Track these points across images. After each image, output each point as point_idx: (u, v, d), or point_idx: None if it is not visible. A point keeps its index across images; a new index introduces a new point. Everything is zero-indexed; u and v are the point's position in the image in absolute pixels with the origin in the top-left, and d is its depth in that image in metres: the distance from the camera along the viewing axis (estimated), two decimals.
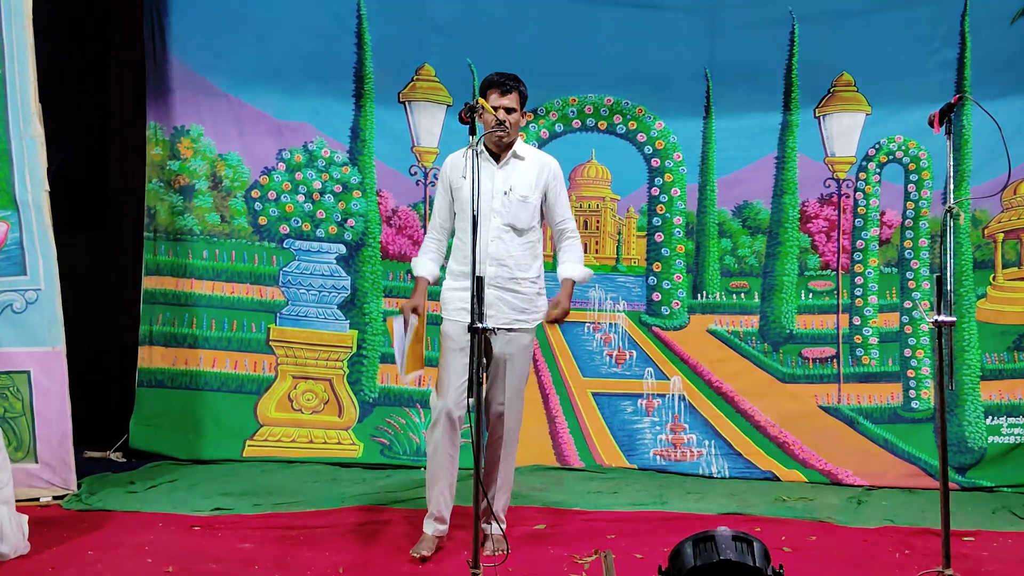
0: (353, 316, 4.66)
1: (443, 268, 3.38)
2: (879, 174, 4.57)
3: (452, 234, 3.35)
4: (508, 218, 3.19)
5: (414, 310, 3.22)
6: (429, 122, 4.60)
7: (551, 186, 3.29)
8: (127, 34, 4.82)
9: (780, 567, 2.37)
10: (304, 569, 3.07)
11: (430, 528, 3.21)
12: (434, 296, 3.64)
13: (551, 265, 4.79)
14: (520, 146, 3.29)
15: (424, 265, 3.31)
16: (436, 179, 4.60)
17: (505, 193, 3.21)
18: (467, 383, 3.10)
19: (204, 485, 4.06)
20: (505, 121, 3.16)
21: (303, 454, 4.58)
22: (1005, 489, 4.28)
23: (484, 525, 3.17)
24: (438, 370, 3.27)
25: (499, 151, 3.25)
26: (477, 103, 2.96)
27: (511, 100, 3.20)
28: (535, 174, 3.26)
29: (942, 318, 2.88)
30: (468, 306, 3.06)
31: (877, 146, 4.56)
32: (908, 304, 4.52)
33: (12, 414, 3.74)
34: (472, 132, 2.91)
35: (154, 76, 4.56)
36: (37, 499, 3.73)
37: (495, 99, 3.21)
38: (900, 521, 3.75)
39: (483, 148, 3.26)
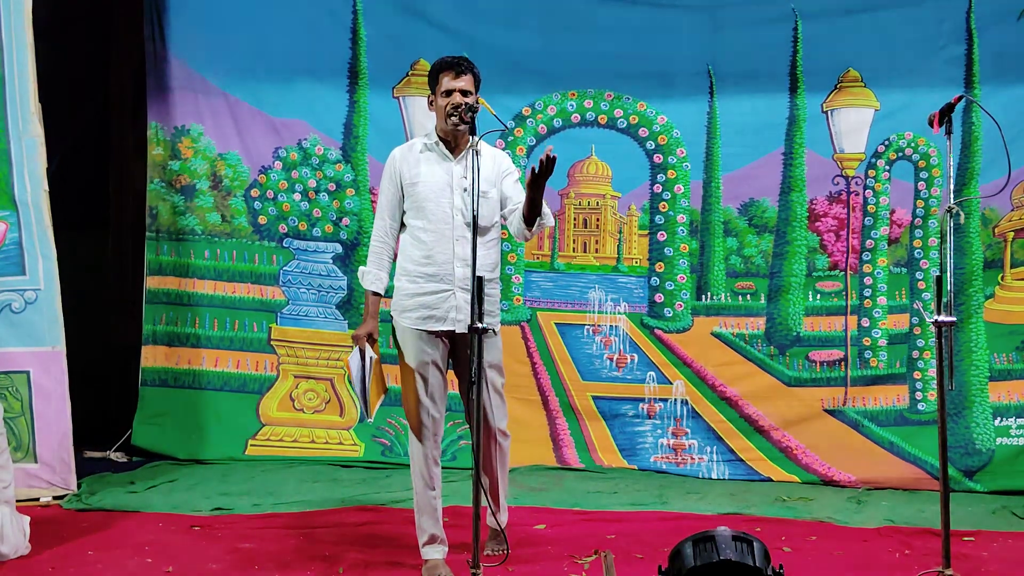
0: (351, 316, 4.73)
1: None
2: (888, 171, 4.59)
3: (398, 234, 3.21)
4: (469, 216, 3.00)
5: (369, 337, 3.13)
6: (424, 117, 4.62)
7: (509, 174, 3.17)
8: (127, 34, 4.91)
9: (780, 567, 2.42)
10: (304, 569, 3.15)
11: (438, 552, 3.14)
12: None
13: (548, 265, 4.83)
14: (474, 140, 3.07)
15: (376, 278, 3.16)
16: None
17: (465, 189, 3.07)
18: (443, 412, 3.09)
19: (204, 485, 4.15)
20: (461, 105, 3.00)
21: (305, 453, 4.67)
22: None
23: (492, 519, 3.22)
24: (404, 394, 3.15)
25: (456, 142, 3.12)
26: (477, 101, 3.00)
27: (466, 82, 3.05)
28: (491, 168, 3.14)
29: (942, 318, 2.99)
30: (436, 313, 3.09)
31: (887, 143, 4.59)
32: (918, 305, 4.53)
33: (12, 414, 3.83)
34: (472, 132, 2.96)
35: (154, 76, 4.66)
36: (37, 499, 3.82)
37: (448, 82, 3.04)
38: (900, 521, 3.82)
39: (436, 139, 3.14)
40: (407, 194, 3.15)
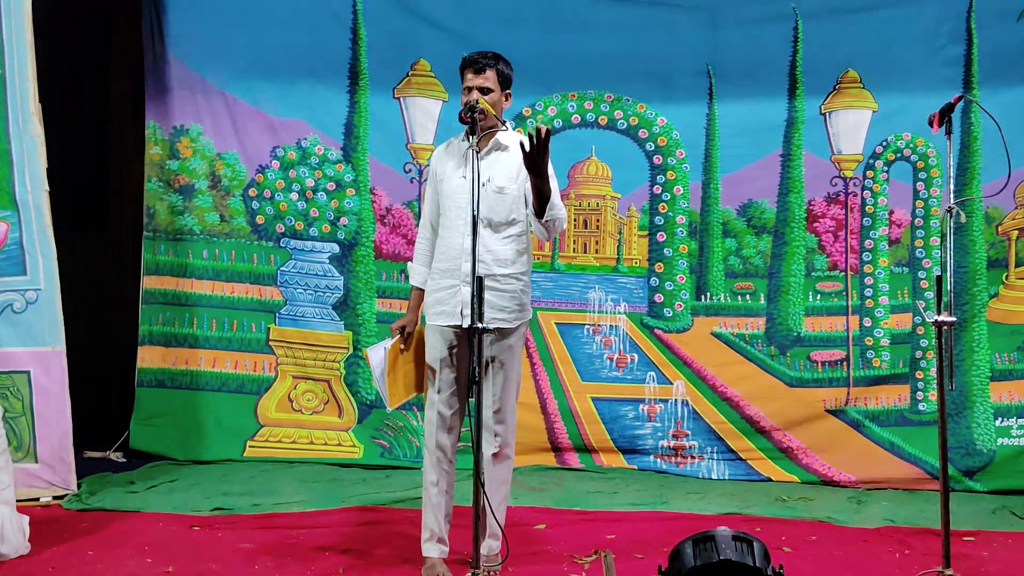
0: (347, 317, 4.75)
1: None
2: (887, 172, 4.63)
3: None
4: (483, 211, 3.04)
5: (403, 330, 3.21)
6: (424, 118, 4.68)
7: None
8: (127, 34, 4.95)
9: (780, 567, 2.44)
10: (304, 569, 3.18)
11: (434, 551, 3.16)
12: None
13: (548, 265, 4.84)
14: (504, 134, 3.15)
15: (419, 273, 3.27)
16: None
17: (483, 184, 3.06)
18: (455, 408, 3.08)
19: (204, 485, 4.18)
20: (473, 106, 2.95)
21: (304, 455, 4.68)
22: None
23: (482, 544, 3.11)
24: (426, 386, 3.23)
25: (479, 138, 3.05)
26: (477, 101, 3.01)
27: (486, 79, 3.07)
28: (516, 164, 3.08)
29: (942, 318, 3.01)
30: (446, 308, 3.11)
31: (884, 143, 4.62)
32: (921, 304, 4.50)
33: (12, 414, 3.85)
34: (472, 132, 2.97)
35: (153, 76, 4.68)
36: (37, 499, 3.85)
37: (469, 79, 3.08)
38: (900, 521, 3.86)
39: (463, 136, 3.17)
40: (438, 191, 3.21)
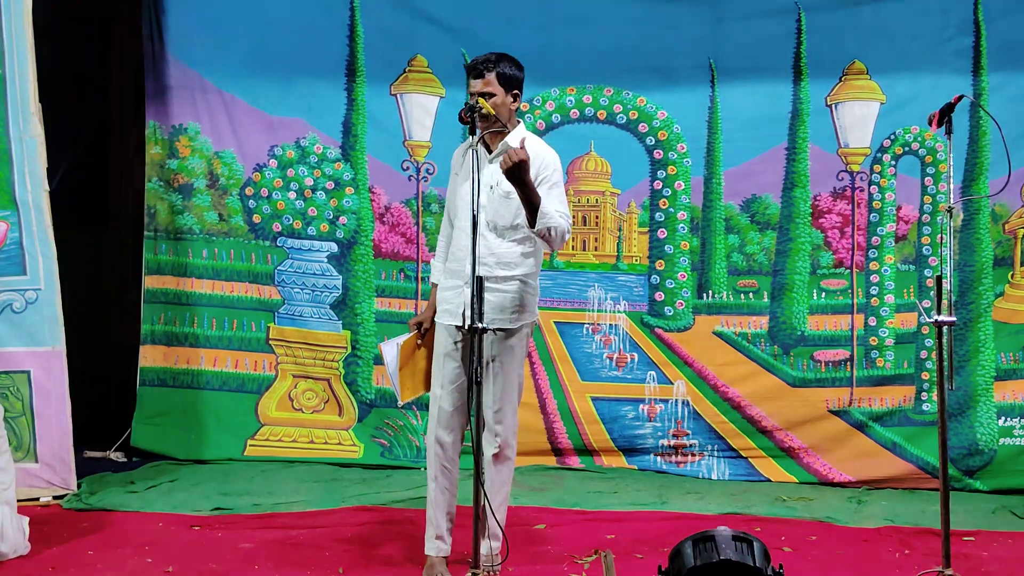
0: (345, 316, 4.80)
1: None
2: (894, 166, 4.62)
3: None
4: (490, 214, 3.13)
5: (419, 326, 3.30)
6: (421, 115, 4.71)
7: (544, 180, 3.10)
8: (127, 34, 5.00)
9: (780, 567, 2.48)
10: (304, 569, 3.24)
11: (433, 548, 3.22)
12: None
13: (547, 263, 4.89)
14: (515, 137, 3.16)
15: (436, 269, 3.37)
16: (428, 175, 4.76)
17: (491, 188, 3.13)
18: (456, 404, 3.13)
19: (204, 485, 4.24)
20: (473, 107, 2.97)
21: (304, 454, 4.74)
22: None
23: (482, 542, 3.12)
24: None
25: (491, 142, 3.17)
26: (477, 102, 3.04)
27: (487, 83, 3.11)
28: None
29: (942, 318, 3.06)
30: (450, 307, 3.18)
31: (892, 137, 4.61)
32: (926, 303, 4.52)
33: (13, 414, 3.92)
34: (472, 132, 3.00)
35: (153, 75, 4.74)
36: (37, 499, 3.92)
37: (471, 84, 3.14)
38: (900, 521, 3.90)
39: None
40: (453, 191, 3.30)
